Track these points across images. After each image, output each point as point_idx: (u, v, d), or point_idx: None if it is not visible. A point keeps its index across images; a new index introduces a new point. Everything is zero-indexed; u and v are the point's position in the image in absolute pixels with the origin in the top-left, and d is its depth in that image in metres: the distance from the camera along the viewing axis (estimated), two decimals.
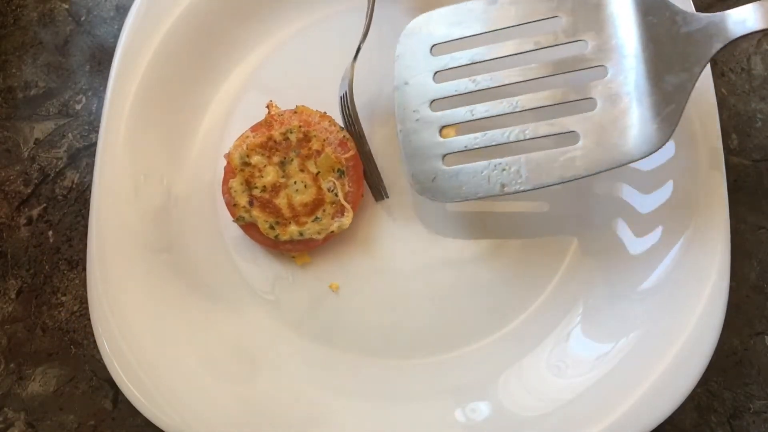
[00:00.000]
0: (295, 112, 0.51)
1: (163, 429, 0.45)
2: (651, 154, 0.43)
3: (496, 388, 0.47)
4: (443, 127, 0.47)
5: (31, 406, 0.52)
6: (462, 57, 0.47)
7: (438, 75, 0.48)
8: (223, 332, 0.50)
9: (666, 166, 0.48)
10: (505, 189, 0.46)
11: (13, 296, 0.54)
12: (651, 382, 0.43)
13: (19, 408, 0.52)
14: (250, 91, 0.55)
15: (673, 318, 0.45)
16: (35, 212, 0.56)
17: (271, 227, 0.49)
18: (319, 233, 0.49)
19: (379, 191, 0.52)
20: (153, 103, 0.52)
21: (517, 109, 0.46)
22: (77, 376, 0.52)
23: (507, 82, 0.46)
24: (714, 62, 0.54)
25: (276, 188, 0.50)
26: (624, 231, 0.49)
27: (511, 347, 0.48)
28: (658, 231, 0.48)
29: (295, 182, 0.50)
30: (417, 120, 0.47)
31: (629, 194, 0.50)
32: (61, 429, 0.51)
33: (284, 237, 0.49)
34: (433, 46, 0.48)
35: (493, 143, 0.46)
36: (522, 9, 0.47)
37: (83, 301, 0.53)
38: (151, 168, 0.52)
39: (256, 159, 0.50)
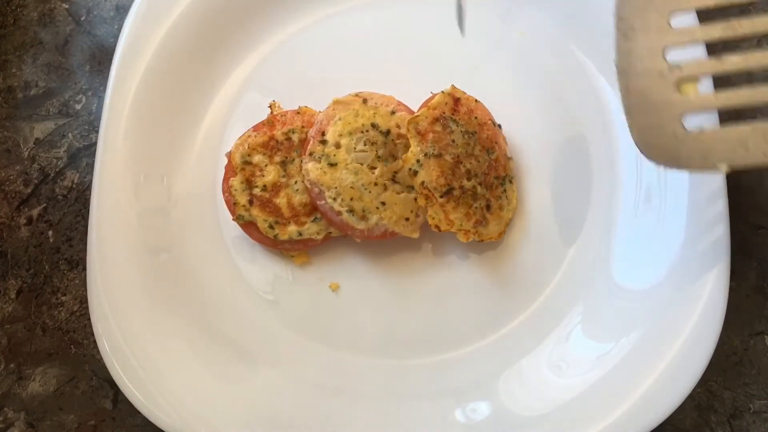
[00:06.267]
0: (298, 113, 0.51)
1: (163, 429, 0.45)
2: None
3: (496, 388, 0.47)
4: (683, 81, 0.39)
5: (31, 406, 0.52)
6: None
7: (675, 17, 0.39)
8: (223, 332, 0.50)
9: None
10: None
11: (13, 296, 0.54)
12: (651, 382, 0.43)
13: (19, 408, 0.52)
14: (250, 91, 0.55)
15: (673, 318, 0.45)
16: (35, 212, 0.56)
17: (271, 227, 0.49)
18: (318, 233, 0.49)
19: None
20: (153, 103, 0.52)
21: None
22: (77, 376, 0.52)
23: None
24: None
25: (276, 188, 0.50)
26: (624, 231, 0.49)
27: (511, 347, 0.48)
28: (658, 231, 0.48)
29: (295, 182, 0.50)
30: (647, 72, 0.39)
31: (629, 195, 0.49)
32: (61, 429, 0.51)
33: (283, 236, 0.49)
34: None
35: (753, 103, 0.38)
36: None
37: (83, 301, 0.53)
38: (151, 168, 0.52)
39: (257, 158, 0.50)
